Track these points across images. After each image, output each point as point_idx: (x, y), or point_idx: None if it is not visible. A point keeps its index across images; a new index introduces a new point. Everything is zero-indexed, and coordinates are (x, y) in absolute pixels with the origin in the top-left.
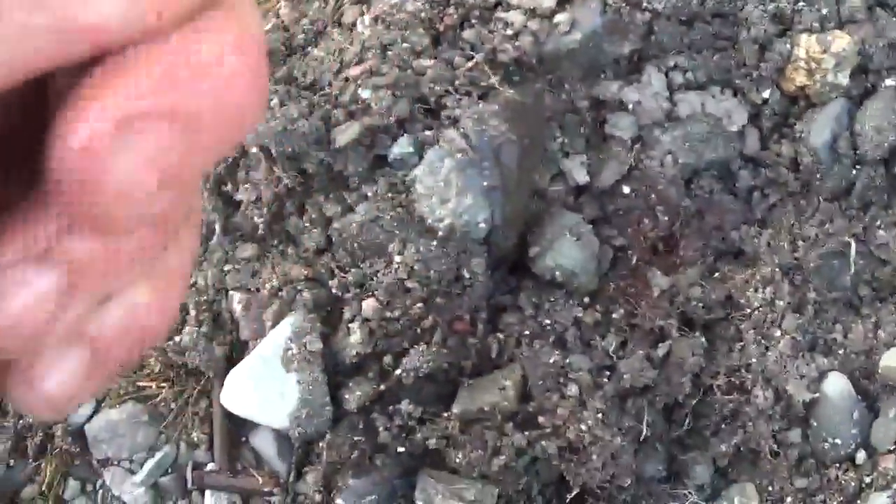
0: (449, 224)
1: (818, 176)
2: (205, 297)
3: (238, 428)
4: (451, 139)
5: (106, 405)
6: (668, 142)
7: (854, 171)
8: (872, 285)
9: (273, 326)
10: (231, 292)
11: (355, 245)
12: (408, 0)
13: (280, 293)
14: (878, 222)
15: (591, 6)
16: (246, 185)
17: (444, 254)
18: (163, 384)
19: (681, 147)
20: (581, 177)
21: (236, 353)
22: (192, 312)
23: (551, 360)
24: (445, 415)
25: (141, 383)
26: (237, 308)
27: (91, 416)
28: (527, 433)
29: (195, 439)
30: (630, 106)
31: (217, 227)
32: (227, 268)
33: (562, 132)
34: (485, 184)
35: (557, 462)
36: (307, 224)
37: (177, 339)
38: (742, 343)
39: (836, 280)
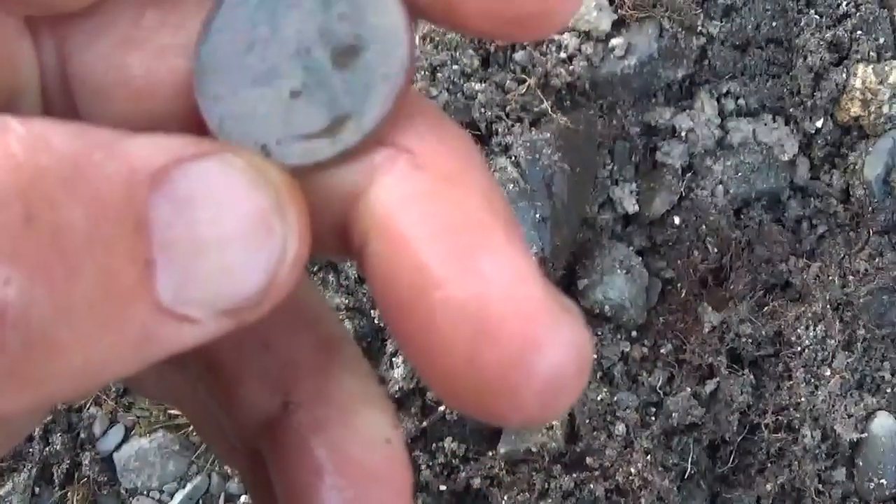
0: None
1: (870, 209)
2: None
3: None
4: (502, 167)
5: (136, 433)
6: (720, 171)
7: None
8: None
9: None
10: None
11: None
12: None
13: None
14: None
15: (647, 31)
16: None
17: None
18: None
19: (732, 176)
20: (630, 206)
21: None
22: None
23: (598, 398)
24: (490, 454)
25: (172, 411)
26: None
27: (120, 444)
28: (574, 475)
29: (227, 470)
30: (682, 133)
31: None
32: None
33: (612, 159)
34: (537, 216)
35: None
36: None
37: None
38: (791, 381)
39: (886, 316)
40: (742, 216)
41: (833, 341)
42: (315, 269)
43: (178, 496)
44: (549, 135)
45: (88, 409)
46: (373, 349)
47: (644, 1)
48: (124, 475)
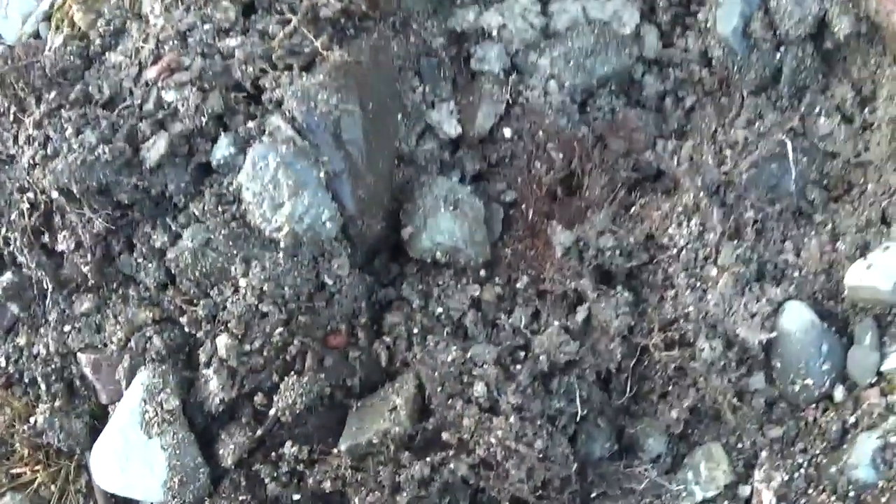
0: (289, 232)
1: (736, 69)
2: (52, 367)
3: (124, 502)
4: (276, 126)
5: None
6: (548, 64)
7: (777, 55)
8: (822, 184)
9: (128, 386)
10: (79, 354)
11: (196, 273)
12: None
13: (129, 345)
14: (817, 109)
15: None
16: (63, 233)
17: (295, 264)
18: (36, 467)
19: (565, 67)
20: (452, 128)
21: (99, 420)
22: (42, 387)
23: (450, 358)
24: (335, 451)
25: (14, 470)
26: (88, 371)
27: None
28: (429, 458)
29: None
30: (494, 32)
31: (46, 283)
32: (66, 328)
33: (421, 80)
34: (322, 174)
35: (475, 480)
36: (140, 260)
37: (31, 420)
38: (674, 290)
39: (778, 188)
40: (588, 109)
41: (713, 234)
42: (115, 285)
43: None
44: (322, 76)
45: None
46: (192, 358)
47: None
48: None
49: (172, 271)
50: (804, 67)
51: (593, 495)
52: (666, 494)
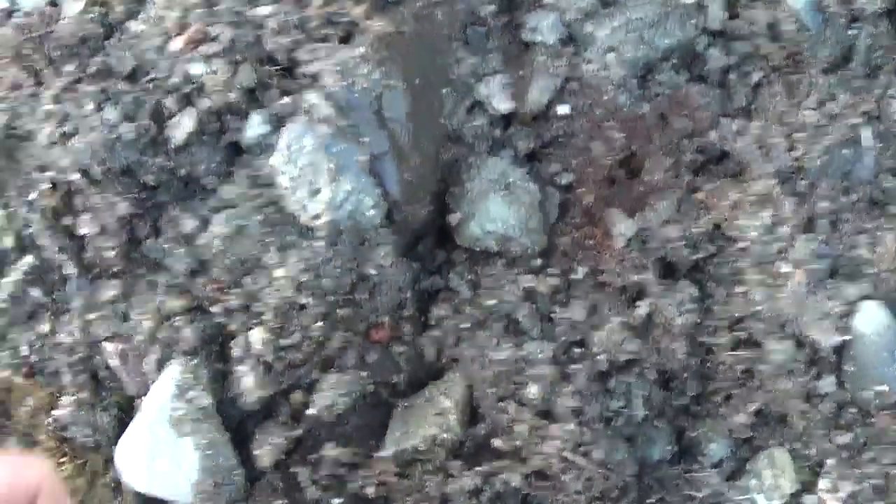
0: (328, 221)
1: (806, 45)
2: (76, 356)
3: (153, 499)
4: (313, 104)
5: None
6: (607, 36)
7: (851, 32)
8: None
9: (156, 379)
10: (104, 344)
11: (228, 261)
12: None
13: (157, 335)
14: (893, 90)
15: None
16: (85, 216)
17: (335, 253)
18: (62, 460)
19: (624, 39)
20: (503, 103)
21: (126, 413)
22: (66, 377)
23: (502, 356)
24: (379, 455)
25: None
26: (114, 362)
27: None
28: (480, 468)
29: None
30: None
31: (69, 269)
32: (91, 315)
33: (468, 52)
34: (364, 157)
35: (528, 491)
36: (168, 245)
37: (55, 413)
38: (743, 286)
39: (851, 176)
40: (648, 84)
41: (786, 227)
42: (141, 271)
43: None
44: (363, 49)
45: None
46: (224, 352)
47: None
48: None
49: (203, 258)
50: (879, 46)
51: (650, 501)
52: (727, 503)
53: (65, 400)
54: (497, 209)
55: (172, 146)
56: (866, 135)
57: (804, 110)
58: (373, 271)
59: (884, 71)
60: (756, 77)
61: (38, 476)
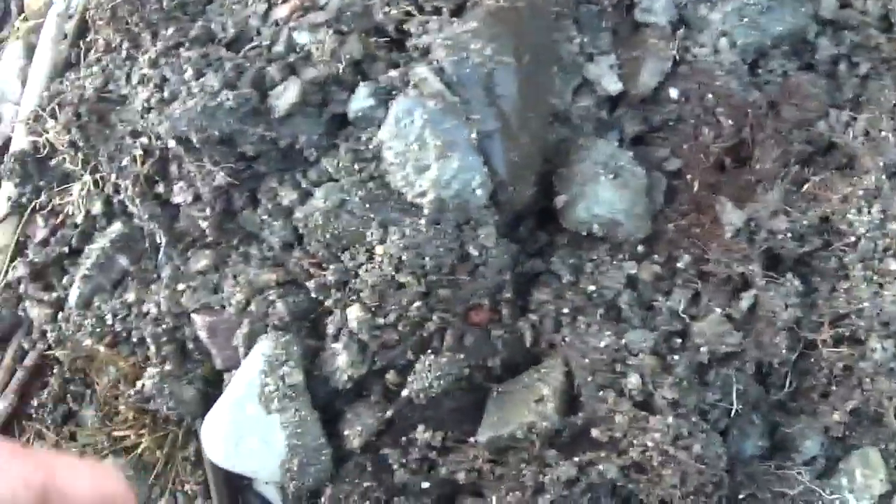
0: (434, 199)
1: None
2: (163, 327)
3: (235, 476)
4: (422, 78)
5: None
6: (720, 20)
7: None
8: None
9: (247, 353)
10: (193, 315)
11: (327, 235)
12: None
13: (249, 308)
14: None
15: None
16: (179, 184)
17: (437, 232)
18: (141, 431)
19: (737, 24)
20: (613, 84)
21: (212, 386)
22: (152, 348)
23: (602, 344)
24: (473, 440)
25: (118, 433)
26: (202, 334)
27: None
28: (577, 458)
29: (190, 490)
30: None
31: (160, 237)
32: (180, 286)
33: (579, 30)
34: (473, 135)
35: (623, 483)
36: (265, 217)
37: (139, 384)
38: (849, 282)
39: None
40: (759, 71)
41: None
42: (235, 242)
43: None
44: (476, 24)
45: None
46: (318, 326)
47: None
48: None
49: (300, 231)
50: None
51: (741, 496)
52: (818, 502)
53: (149, 371)
54: (605, 193)
55: (275, 116)
56: None
57: None
58: (475, 252)
59: None
60: (865, 68)
61: (115, 486)
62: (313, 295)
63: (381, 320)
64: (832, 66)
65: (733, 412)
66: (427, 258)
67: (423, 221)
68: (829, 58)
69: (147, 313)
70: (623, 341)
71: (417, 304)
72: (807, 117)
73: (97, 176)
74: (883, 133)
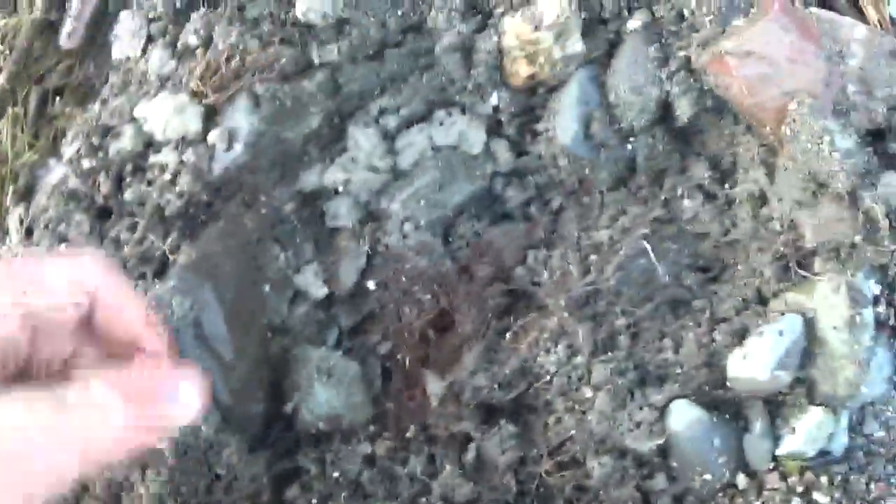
0: (172, 448)
1: (587, 171)
2: None
3: None
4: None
5: None
6: (400, 207)
7: (629, 146)
8: (697, 266)
9: None
10: None
11: None
12: None
13: None
14: (679, 191)
15: (242, 106)
16: None
17: (183, 463)
18: None
19: (417, 207)
20: (318, 290)
21: None
22: None
23: None
24: None
25: None
26: None
27: None
28: None
29: None
30: (340, 188)
31: None
32: None
33: (282, 248)
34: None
35: None
36: None
37: None
38: (555, 415)
39: (650, 283)
40: (451, 239)
41: (582, 356)
42: None
43: None
44: (173, 282)
45: None
46: None
47: (225, 78)
48: None
49: None
50: (658, 153)
51: None
52: None
53: None
54: (322, 394)
55: None
56: (650, 247)
57: (598, 230)
58: (223, 471)
59: (667, 174)
60: (556, 203)
61: (95, 271)
62: None
63: None
64: (526, 209)
65: None
66: (182, 487)
67: (171, 460)
68: (520, 203)
69: None
70: None
71: None
72: (504, 268)
73: None
74: (570, 265)
